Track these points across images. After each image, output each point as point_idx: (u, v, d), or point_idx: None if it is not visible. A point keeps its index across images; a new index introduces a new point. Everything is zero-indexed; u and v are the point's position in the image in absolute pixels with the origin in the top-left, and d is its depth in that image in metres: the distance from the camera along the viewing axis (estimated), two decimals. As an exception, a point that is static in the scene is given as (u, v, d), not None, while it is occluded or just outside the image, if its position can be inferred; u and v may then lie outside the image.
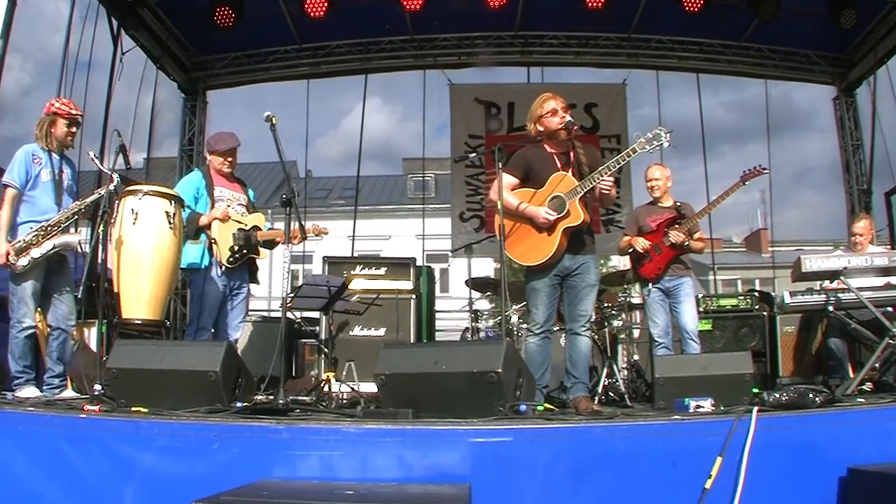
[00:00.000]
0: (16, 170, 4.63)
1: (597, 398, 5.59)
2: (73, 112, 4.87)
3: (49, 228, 4.61)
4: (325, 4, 8.82)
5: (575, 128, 4.69)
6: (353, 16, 9.29)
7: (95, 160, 4.72)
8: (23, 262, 4.55)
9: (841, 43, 9.54)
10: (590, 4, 8.92)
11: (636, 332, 7.30)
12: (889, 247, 8.35)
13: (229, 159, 5.39)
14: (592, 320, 6.74)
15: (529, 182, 4.76)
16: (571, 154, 4.75)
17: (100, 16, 8.15)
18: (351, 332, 6.92)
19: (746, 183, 5.80)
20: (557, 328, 6.79)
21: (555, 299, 4.79)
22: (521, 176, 4.80)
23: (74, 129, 4.89)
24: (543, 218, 4.59)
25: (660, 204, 5.96)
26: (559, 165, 4.71)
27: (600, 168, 4.52)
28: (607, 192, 4.55)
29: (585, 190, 4.54)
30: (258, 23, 9.19)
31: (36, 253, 4.57)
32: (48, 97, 5.00)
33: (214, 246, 5.08)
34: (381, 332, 7.01)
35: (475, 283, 7.80)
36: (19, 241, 4.56)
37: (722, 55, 9.95)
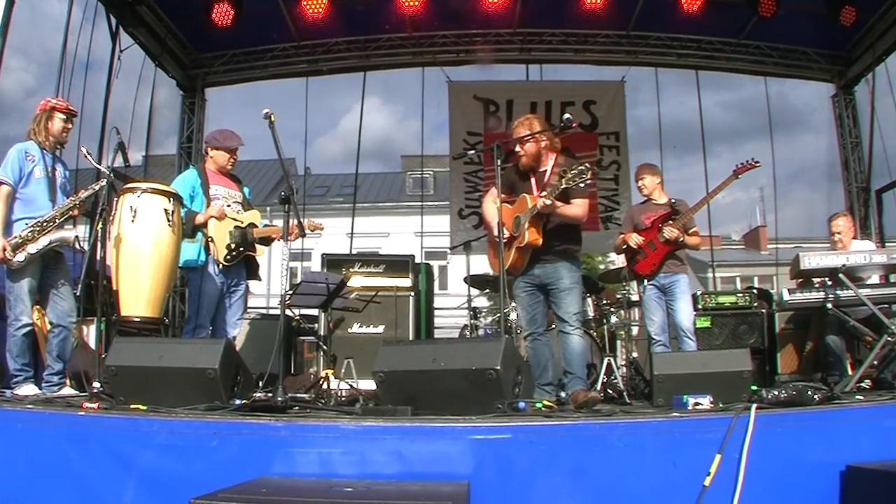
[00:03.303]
0: (9, 167, 4.64)
1: (595, 395, 5.59)
2: (70, 107, 4.91)
3: (44, 224, 4.62)
4: (325, 2, 8.81)
5: (544, 142, 4.95)
6: (351, 14, 9.28)
7: (89, 156, 4.74)
8: (19, 257, 4.55)
9: (840, 40, 9.54)
10: (588, 2, 8.93)
11: (634, 330, 7.30)
12: (878, 244, 8.36)
13: (235, 157, 5.42)
14: (586, 318, 6.77)
15: (514, 198, 5.06)
16: (548, 174, 4.99)
17: (98, 15, 8.15)
18: (350, 330, 6.93)
19: (739, 177, 5.82)
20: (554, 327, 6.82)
21: (534, 304, 5.05)
22: (507, 192, 5.05)
23: (70, 125, 4.92)
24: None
25: (654, 201, 5.99)
26: (533, 185, 5.00)
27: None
28: (548, 211, 4.72)
29: (532, 213, 4.77)
30: (257, 20, 9.18)
31: (32, 249, 4.57)
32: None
33: (211, 244, 5.08)
34: (380, 329, 7.02)
35: (474, 281, 7.80)
36: (15, 238, 4.56)
37: (721, 52, 9.95)
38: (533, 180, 5.01)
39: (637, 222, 5.96)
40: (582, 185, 4.75)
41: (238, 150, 5.44)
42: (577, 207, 4.90)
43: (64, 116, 4.85)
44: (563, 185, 4.68)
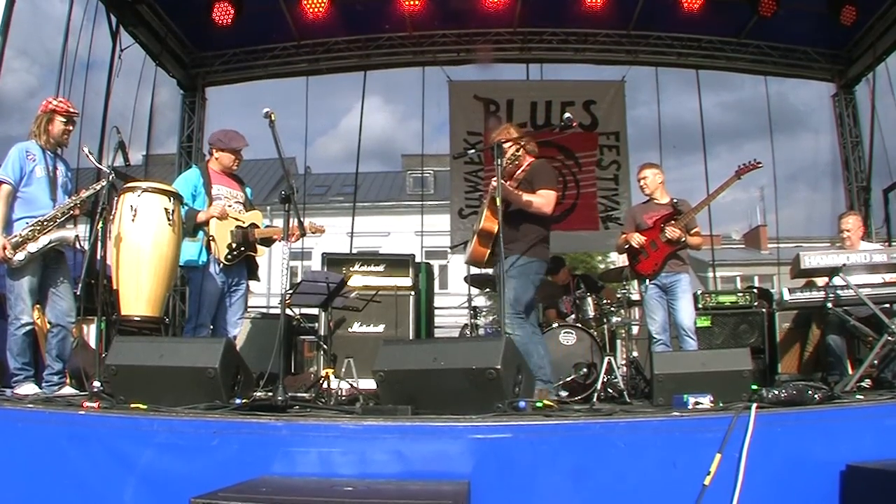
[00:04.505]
0: (10, 166, 4.64)
1: (596, 395, 5.60)
2: (71, 110, 4.89)
3: (45, 223, 4.61)
4: (325, 1, 8.81)
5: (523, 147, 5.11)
6: (352, 13, 9.27)
7: (91, 156, 4.73)
8: (19, 256, 4.54)
9: (840, 40, 9.54)
10: (588, 1, 8.93)
11: (635, 329, 7.30)
12: (886, 243, 8.36)
13: (240, 158, 5.45)
14: (587, 317, 6.79)
15: None
16: (520, 170, 5.15)
17: (99, 14, 8.15)
18: (350, 329, 6.93)
19: (742, 177, 5.82)
20: (557, 325, 6.83)
21: None
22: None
23: (71, 127, 4.90)
24: None
25: (656, 201, 5.99)
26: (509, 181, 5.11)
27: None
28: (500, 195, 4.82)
29: (489, 198, 4.93)
30: (257, 19, 9.18)
31: (32, 248, 4.57)
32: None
33: (213, 243, 5.08)
34: (380, 328, 7.02)
35: (474, 280, 7.80)
36: (15, 236, 4.55)
37: (721, 52, 9.96)
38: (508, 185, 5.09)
39: (639, 222, 5.96)
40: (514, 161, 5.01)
41: (242, 150, 5.44)
42: (533, 196, 4.93)
43: (64, 119, 4.84)
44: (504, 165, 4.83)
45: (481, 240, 5.02)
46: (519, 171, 5.11)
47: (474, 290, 8.15)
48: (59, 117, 4.82)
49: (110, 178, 4.41)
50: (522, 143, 5.13)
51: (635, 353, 7.07)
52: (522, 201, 4.91)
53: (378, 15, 9.40)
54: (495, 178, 4.79)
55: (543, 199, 4.96)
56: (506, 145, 4.97)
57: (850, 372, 5.50)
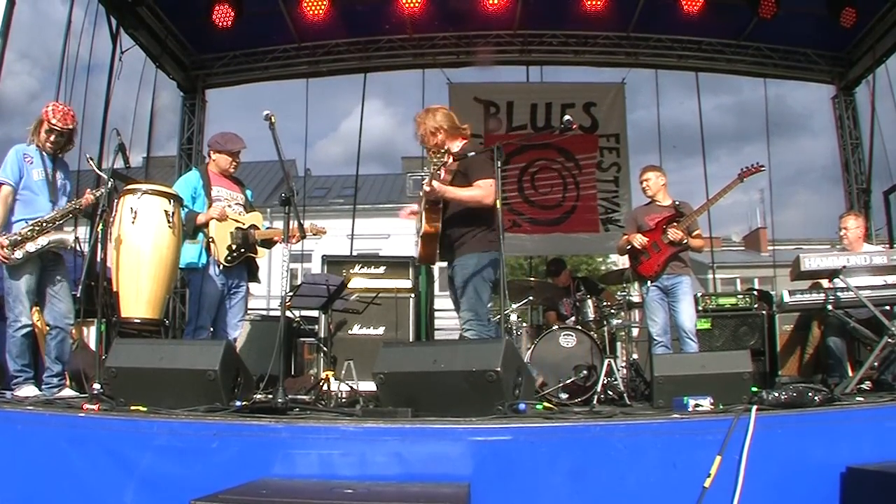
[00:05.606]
0: (8, 168, 4.64)
1: (596, 397, 5.59)
2: (59, 126, 4.76)
3: (44, 224, 4.62)
4: (325, 3, 8.82)
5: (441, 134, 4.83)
6: (352, 15, 9.28)
7: (91, 162, 4.73)
8: (17, 254, 4.54)
9: (840, 42, 9.54)
10: (588, 3, 8.93)
11: (635, 331, 7.30)
12: (888, 245, 8.35)
13: (237, 160, 5.44)
14: (586, 319, 6.76)
15: None
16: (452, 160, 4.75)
17: (100, 17, 8.15)
18: (350, 331, 6.92)
19: (744, 180, 5.83)
20: (557, 327, 6.82)
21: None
22: None
23: (53, 139, 4.78)
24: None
25: (658, 203, 5.99)
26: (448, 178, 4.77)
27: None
28: (433, 197, 4.59)
29: (424, 200, 4.68)
30: (257, 22, 9.20)
31: (31, 247, 4.57)
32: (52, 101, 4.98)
33: (212, 245, 5.08)
34: (380, 330, 7.02)
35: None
36: (14, 235, 4.56)
37: (721, 54, 9.96)
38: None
39: (641, 223, 5.96)
40: (443, 165, 4.53)
41: (241, 152, 5.44)
42: (471, 189, 4.60)
43: (47, 130, 4.74)
44: (433, 169, 4.54)
45: (425, 243, 4.76)
46: (451, 162, 4.72)
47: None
48: (45, 127, 4.74)
49: (110, 182, 4.41)
50: (441, 133, 4.82)
51: (635, 356, 7.06)
52: (460, 197, 4.64)
53: (378, 17, 9.40)
54: (426, 183, 4.53)
55: (482, 191, 4.60)
56: (428, 134, 4.84)
57: (851, 374, 5.49)
